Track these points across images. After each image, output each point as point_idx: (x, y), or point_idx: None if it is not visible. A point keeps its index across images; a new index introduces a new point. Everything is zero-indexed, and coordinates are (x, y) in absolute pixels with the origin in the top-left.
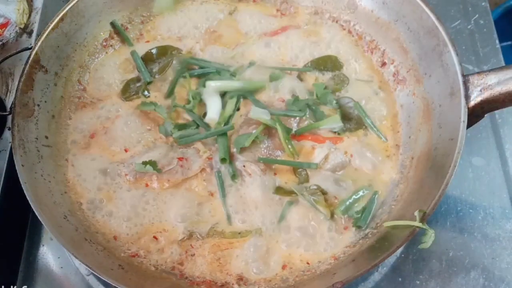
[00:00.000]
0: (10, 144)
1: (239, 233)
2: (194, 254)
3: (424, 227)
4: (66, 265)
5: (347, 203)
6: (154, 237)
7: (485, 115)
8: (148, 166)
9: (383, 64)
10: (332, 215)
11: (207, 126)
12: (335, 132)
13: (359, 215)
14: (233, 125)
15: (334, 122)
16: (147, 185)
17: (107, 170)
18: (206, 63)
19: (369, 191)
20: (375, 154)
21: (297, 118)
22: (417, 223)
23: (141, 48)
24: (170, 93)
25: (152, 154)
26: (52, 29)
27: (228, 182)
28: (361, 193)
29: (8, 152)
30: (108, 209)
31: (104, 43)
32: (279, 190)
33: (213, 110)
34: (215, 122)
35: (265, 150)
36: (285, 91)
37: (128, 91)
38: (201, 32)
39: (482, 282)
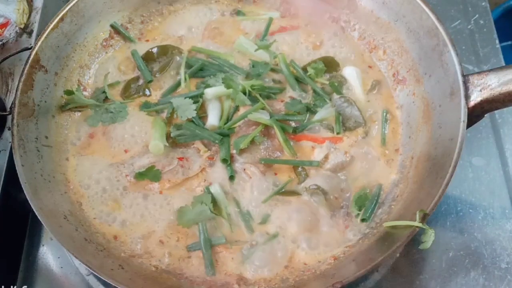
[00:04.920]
0: (10, 144)
1: (236, 241)
2: (190, 256)
3: (424, 227)
4: (66, 265)
5: (356, 200)
6: (161, 241)
7: (485, 115)
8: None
9: (383, 64)
10: (331, 215)
11: (203, 125)
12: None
13: (363, 210)
14: (234, 128)
15: (326, 110)
16: (147, 186)
17: (108, 170)
18: (207, 64)
19: (372, 187)
20: (375, 154)
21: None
22: (417, 223)
23: (142, 48)
24: (167, 93)
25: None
26: (52, 29)
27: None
28: (364, 189)
29: (8, 152)
30: (108, 209)
31: (104, 43)
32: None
33: (213, 116)
34: (216, 128)
35: (265, 152)
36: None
37: (128, 90)
38: (201, 29)
39: (482, 282)
